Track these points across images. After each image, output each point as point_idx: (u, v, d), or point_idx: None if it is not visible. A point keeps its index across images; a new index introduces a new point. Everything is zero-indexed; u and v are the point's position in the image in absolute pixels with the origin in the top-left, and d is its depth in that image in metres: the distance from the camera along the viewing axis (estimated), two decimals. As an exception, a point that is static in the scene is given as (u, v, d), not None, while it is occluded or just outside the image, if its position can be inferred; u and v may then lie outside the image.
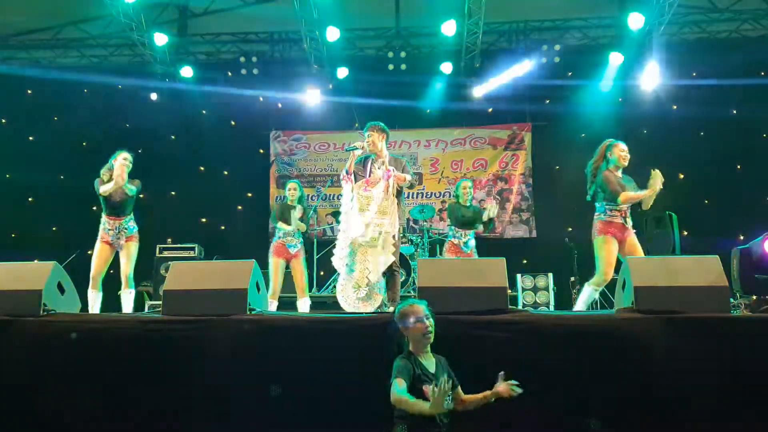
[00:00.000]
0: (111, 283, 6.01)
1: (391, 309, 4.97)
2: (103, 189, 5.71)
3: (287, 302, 6.74)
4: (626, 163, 5.22)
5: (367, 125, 5.32)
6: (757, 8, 9.78)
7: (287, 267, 6.42)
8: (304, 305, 6.31)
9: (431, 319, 2.99)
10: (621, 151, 5.21)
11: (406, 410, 2.77)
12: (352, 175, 5.18)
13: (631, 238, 5.09)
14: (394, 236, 5.07)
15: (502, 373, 2.90)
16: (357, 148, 5.18)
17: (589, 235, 5.37)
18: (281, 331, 3.77)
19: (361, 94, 9.86)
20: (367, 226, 4.96)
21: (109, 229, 5.72)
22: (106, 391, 3.70)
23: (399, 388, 2.78)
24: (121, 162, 5.70)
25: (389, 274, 5.07)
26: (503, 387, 2.89)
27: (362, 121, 5.35)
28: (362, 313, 4.69)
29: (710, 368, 3.43)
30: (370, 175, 5.19)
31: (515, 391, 2.87)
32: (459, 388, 2.99)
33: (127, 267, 5.74)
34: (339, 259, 5.14)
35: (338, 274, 5.24)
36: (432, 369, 2.95)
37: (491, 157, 10.61)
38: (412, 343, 2.97)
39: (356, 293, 5.00)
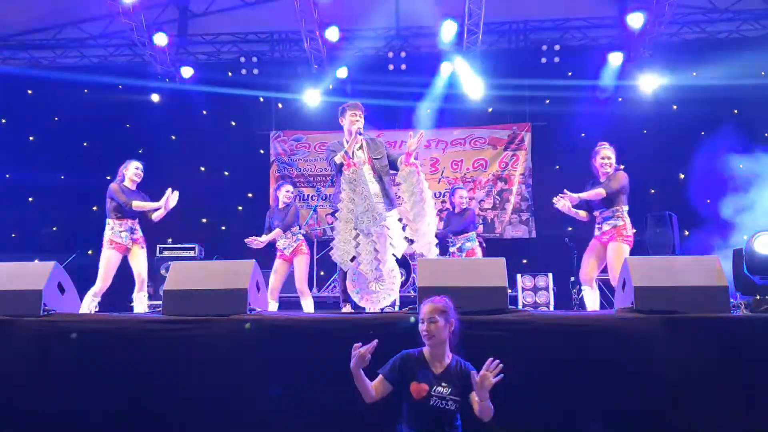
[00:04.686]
0: (111, 284, 6.01)
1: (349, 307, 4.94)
2: (137, 203, 5.69)
3: (287, 302, 6.75)
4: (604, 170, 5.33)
5: (355, 105, 5.02)
6: (757, 8, 9.78)
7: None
8: (306, 305, 6.31)
9: (435, 324, 2.92)
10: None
11: (364, 392, 2.90)
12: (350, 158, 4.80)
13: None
14: (400, 219, 4.87)
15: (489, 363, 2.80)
16: (361, 132, 4.90)
17: (588, 235, 5.44)
18: (281, 331, 3.77)
19: (361, 94, 9.86)
20: (374, 212, 4.68)
21: (121, 231, 5.71)
22: (105, 391, 3.70)
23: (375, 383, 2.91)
24: (169, 197, 5.67)
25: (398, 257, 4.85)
26: (481, 379, 2.75)
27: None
28: (362, 312, 4.68)
29: (710, 368, 3.43)
30: (352, 157, 4.85)
31: (492, 376, 2.74)
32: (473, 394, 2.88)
33: (141, 270, 5.75)
34: (343, 252, 4.75)
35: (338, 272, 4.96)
36: (439, 371, 2.90)
37: (491, 158, 10.61)
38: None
39: (373, 287, 4.74)
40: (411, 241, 4.97)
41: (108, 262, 5.67)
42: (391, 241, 4.76)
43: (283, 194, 6.52)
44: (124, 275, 5.89)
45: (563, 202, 5.21)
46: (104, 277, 5.64)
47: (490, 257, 4.23)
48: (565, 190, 5.23)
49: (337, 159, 4.87)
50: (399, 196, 5.05)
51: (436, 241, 4.88)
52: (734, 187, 8.74)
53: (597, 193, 5.20)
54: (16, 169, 10.20)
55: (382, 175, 4.93)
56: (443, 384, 2.85)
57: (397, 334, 3.37)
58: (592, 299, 5.25)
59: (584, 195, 5.25)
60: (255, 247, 6.26)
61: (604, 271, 5.40)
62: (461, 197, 7.25)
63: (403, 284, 8.46)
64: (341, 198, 4.83)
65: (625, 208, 5.23)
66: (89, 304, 5.52)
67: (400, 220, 4.93)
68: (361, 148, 4.93)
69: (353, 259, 4.75)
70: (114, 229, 5.71)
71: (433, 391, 2.82)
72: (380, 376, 2.93)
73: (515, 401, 3.43)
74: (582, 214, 5.37)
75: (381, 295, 4.77)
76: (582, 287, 5.33)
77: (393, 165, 5.04)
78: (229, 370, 3.65)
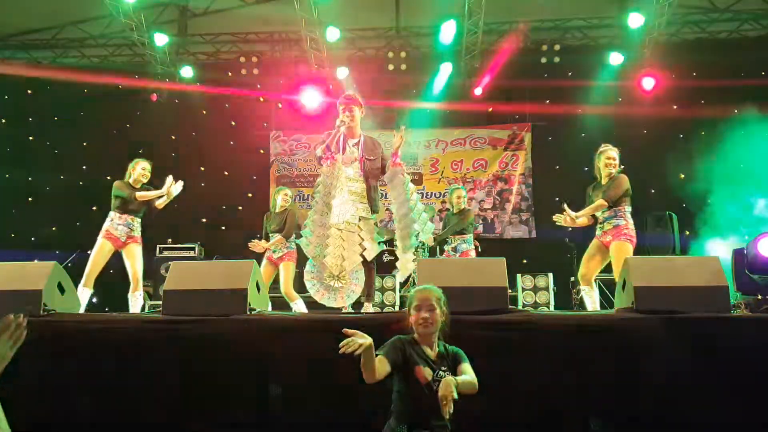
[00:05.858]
0: (111, 283, 6.00)
1: (370, 308, 4.91)
2: (140, 194, 5.71)
3: (285, 302, 6.74)
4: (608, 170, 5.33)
5: (345, 97, 4.93)
6: (757, 8, 9.78)
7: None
8: (297, 306, 6.29)
9: (433, 312, 2.82)
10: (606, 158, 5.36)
11: (369, 372, 2.60)
12: (334, 152, 4.71)
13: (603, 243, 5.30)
14: (376, 224, 4.79)
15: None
16: (344, 125, 4.76)
17: (587, 235, 5.44)
18: (281, 331, 3.77)
19: (361, 95, 9.83)
20: (349, 208, 4.62)
21: (119, 224, 5.70)
22: (105, 391, 3.70)
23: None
24: (173, 185, 5.72)
25: (365, 266, 4.72)
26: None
27: (364, 121, 5.19)
28: (362, 313, 4.68)
29: (710, 368, 3.43)
30: (343, 153, 4.79)
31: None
32: (462, 365, 2.80)
33: (136, 269, 5.73)
34: (312, 245, 4.72)
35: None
36: (433, 356, 2.79)
37: (491, 158, 10.61)
38: (415, 331, 2.85)
39: (331, 282, 4.66)
40: (387, 244, 4.88)
41: (99, 251, 5.62)
42: (362, 243, 4.66)
43: (281, 198, 6.53)
44: (124, 275, 5.88)
45: (565, 218, 5.21)
46: (92, 264, 5.56)
47: (490, 257, 4.22)
48: (566, 206, 5.21)
49: (318, 151, 4.81)
50: (387, 205, 5.00)
51: (416, 243, 4.79)
52: (734, 187, 8.77)
53: (599, 206, 5.19)
54: (16, 169, 10.21)
55: (369, 177, 4.82)
56: (443, 368, 2.80)
57: (396, 334, 3.37)
58: (591, 299, 5.24)
59: (587, 211, 5.24)
60: (257, 251, 6.27)
61: (604, 271, 5.39)
62: (458, 197, 7.17)
63: (403, 284, 8.45)
64: (317, 191, 4.81)
65: (628, 208, 5.21)
66: (81, 296, 5.45)
67: (376, 223, 4.86)
68: (357, 144, 4.86)
69: (320, 252, 4.70)
70: (113, 221, 5.71)
71: (436, 376, 2.77)
72: (380, 357, 2.72)
73: (515, 401, 3.43)
74: (584, 221, 5.33)
75: (340, 294, 4.67)
76: (581, 287, 5.32)
77: (386, 170, 4.95)
78: (229, 370, 3.65)
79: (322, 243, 4.71)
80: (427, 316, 2.84)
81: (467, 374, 2.75)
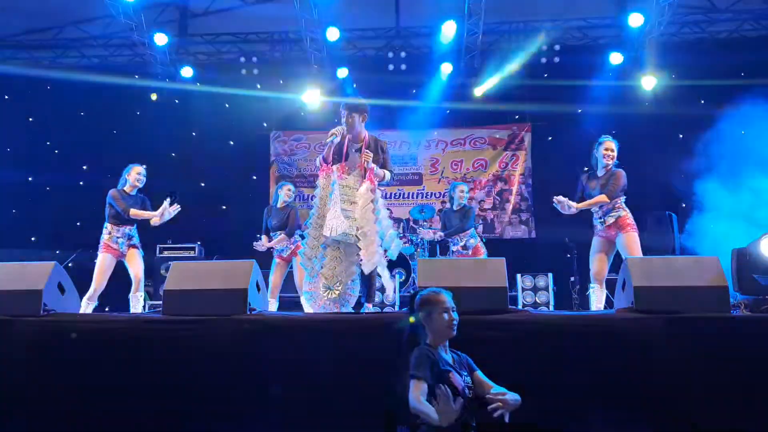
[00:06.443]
0: (111, 283, 6.00)
1: (370, 308, 4.90)
2: (134, 212, 5.73)
3: (288, 302, 6.75)
4: (605, 161, 5.36)
5: (343, 104, 4.84)
6: (757, 8, 9.77)
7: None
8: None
9: (456, 312, 2.86)
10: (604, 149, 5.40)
11: (421, 417, 2.55)
12: (330, 163, 4.67)
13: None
14: (376, 233, 4.65)
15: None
16: (336, 137, 4.67)
17: (587, 235, 5.46)
18: (281, 331, 3.77)
19: (361, 95, 9.83)
20: (343, 221, 4.51)
21: (118, 237, 5.74)
22: (106, 391, 3.70)
23: (419, 393, 2.57)
24: (167, 209, 5.67)
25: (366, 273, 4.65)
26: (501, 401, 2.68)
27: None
28: (362, 313, 4.68)
29: (710, 368, 3.43)
30: (346, 160, 4.71)
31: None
32: (478, 373, 2.86)
33: (138, 272, 5.77)
34: (308, 259, 4.69)
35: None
36: (452, 363, 2.82)
37: (491, 158, 10.61)
38: (432, 335, 2.83)
39: (327, 294, 4.60)
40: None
41: (102, 266, 5.69)
42: (359, 252, 4.59)
43: (284, 193, 6.51)
44: (123, 275, 5.89)
45: (563, 204, 5.24)
46: (97, 281, 5.66)
47: (490, 257, 4.23)
48: (565, 199, 5.25)
49: (318, 162, 4.83)
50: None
51: (385, 263, 4.74)
52: (734, 187, 8.77)
53: (600, 200, 5.24)
54: (16, 169, 10.20)
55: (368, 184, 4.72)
56: (464, 373, 2.81)
57: (397, 334, 3.37)
58: (598, 299, 5.25)
59: (587, 204, 5.29)
60: (260, 249, 6.27)
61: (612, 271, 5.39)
62: (461, 191, 7.11)
63: (402, 284, 8.45)
64: (314, 203, 4.78)
65: (623, 199, 5.29)
66: (85, 309, 5.52)
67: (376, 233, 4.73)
68: (359, 149, 4.76)
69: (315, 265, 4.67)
70: (111, 234, 5.74)
71: (464, 381, 2.77)
72: (418, 382, 2.64)
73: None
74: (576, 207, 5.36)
75: (335, 305, 4.62)
76: (592, 285, 5.32)
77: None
78: (229, 370, 3.65)
79: (317, 256, 4.67)
80: (457, 318, 2.85)
81: (494, 385, 2.80)
